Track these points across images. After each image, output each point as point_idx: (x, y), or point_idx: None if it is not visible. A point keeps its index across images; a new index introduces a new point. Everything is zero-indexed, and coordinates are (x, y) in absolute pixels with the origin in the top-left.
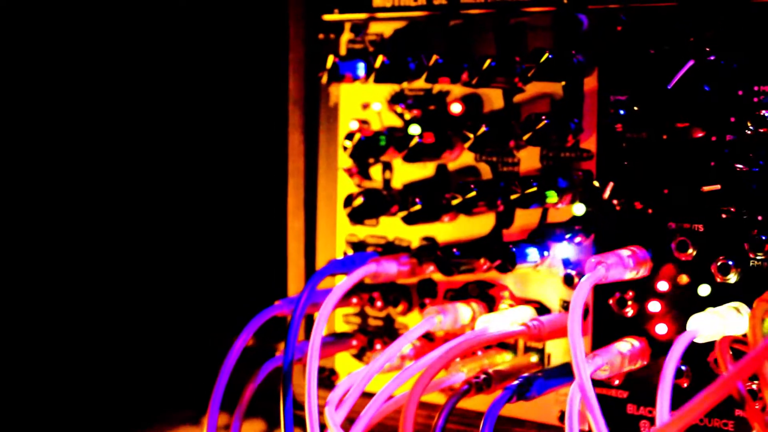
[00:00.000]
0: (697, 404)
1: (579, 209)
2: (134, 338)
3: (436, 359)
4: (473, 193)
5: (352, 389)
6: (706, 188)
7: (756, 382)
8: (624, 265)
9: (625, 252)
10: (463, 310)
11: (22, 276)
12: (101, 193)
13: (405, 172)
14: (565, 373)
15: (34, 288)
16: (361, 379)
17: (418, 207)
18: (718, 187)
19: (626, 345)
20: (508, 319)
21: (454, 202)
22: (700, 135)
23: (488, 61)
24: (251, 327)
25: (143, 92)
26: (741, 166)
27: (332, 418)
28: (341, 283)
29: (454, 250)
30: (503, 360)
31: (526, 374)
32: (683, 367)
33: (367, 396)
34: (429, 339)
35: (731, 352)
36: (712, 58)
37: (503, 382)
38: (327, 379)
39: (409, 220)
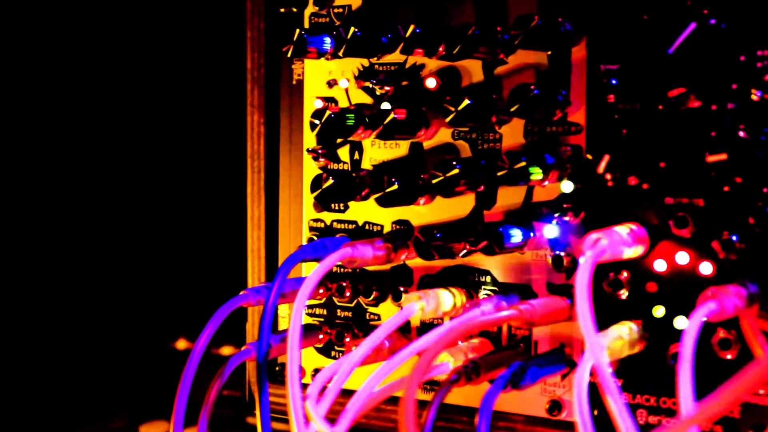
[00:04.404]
0: (736, 387)
1: (567, 186)
2: (79, 334)
3: (430, 345)
4: (456, 171)
5: (332, 382)
6: (711, 158)
7: None
8: (623, 242)
9: (623, 229)
10: (445, 297)
11: None
12: (49, 180)
13: (374, 153)
14: (556, 360)
15: None
16: (343, 371)
17: (394, 187)
18: (725, 156)
19: (625, 329)
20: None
21: (434, 181)
22: (697, 104)
23: (472, 29)
24: (217, 318)
25: (93, 70)
26: (745, 134)
27: (315, 410)
28: (316, 269)
29: (435, 232)
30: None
31: (517, 362)
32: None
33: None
34: (405, 330)
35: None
36: (712, 21)
37: (492, 370)
38: (280, 374)
39: (385, 201)
